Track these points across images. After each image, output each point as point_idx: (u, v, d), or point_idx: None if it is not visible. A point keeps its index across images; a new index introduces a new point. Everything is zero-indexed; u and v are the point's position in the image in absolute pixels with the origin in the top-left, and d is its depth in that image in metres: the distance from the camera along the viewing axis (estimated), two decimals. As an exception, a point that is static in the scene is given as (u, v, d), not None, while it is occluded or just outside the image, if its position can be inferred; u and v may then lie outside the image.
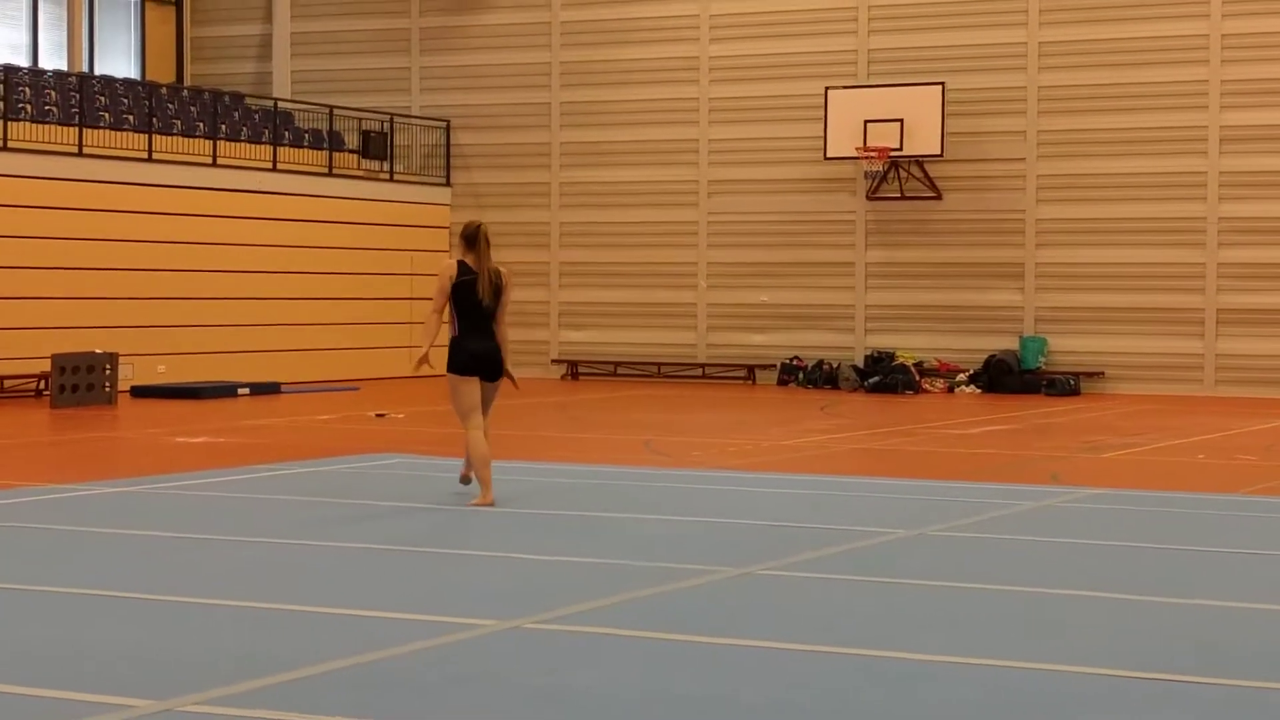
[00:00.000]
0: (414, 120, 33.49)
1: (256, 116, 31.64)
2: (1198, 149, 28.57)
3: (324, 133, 32.00)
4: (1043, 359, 29.18)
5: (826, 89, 30.00)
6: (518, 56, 33.14)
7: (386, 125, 32.70)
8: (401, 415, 22.38)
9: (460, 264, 12.28)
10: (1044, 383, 28.64)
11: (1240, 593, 9.02)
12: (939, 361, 29.79)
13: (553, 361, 32.51)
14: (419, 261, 32.43)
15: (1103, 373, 29.04)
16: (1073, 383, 28.60)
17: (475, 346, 12.25)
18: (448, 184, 33.46)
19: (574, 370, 32.22)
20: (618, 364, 31.90)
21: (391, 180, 32.52)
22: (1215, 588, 9.25)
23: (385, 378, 30.81)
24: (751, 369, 31.03)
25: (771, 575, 9.37)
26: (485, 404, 12.36)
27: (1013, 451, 18.56)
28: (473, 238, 12.32)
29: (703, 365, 31.25)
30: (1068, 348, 29.29)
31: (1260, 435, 20.54)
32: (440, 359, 12.22)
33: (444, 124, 33.46)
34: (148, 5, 34.34)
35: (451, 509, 12.23)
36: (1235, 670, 7.05)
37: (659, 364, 31.43)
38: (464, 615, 8.02)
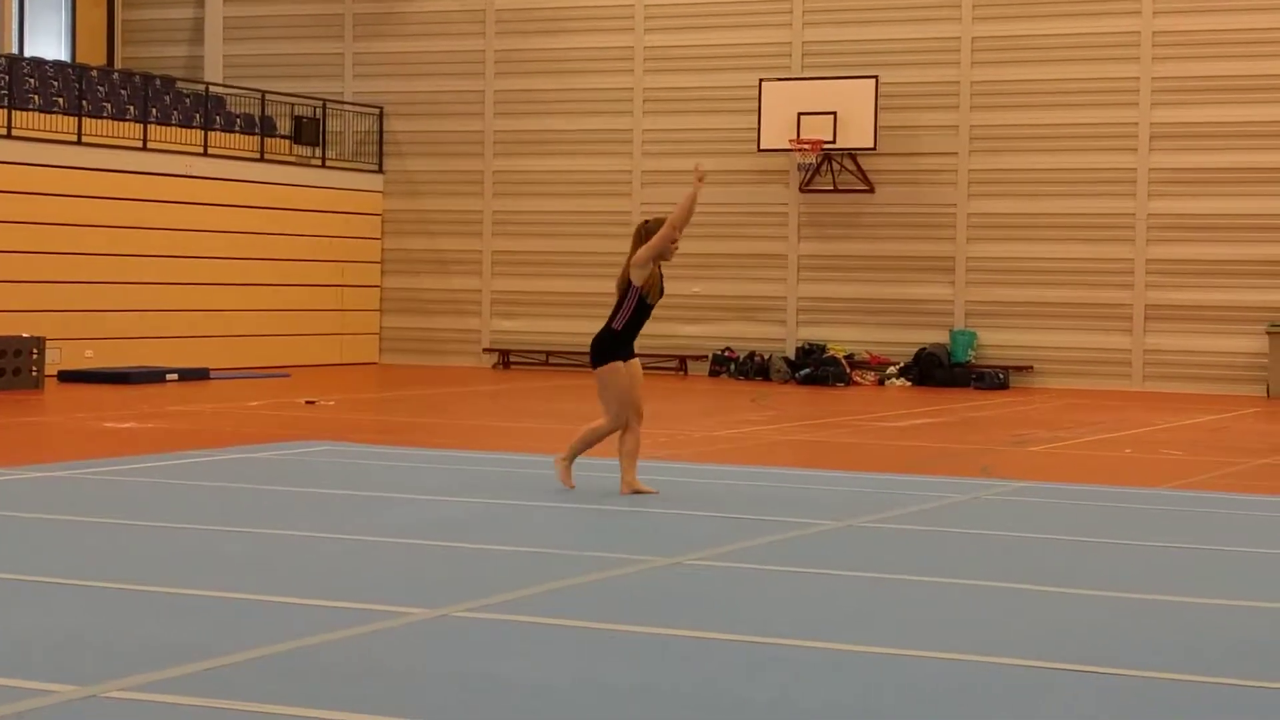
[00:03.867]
0: (347, 106, 33.34)
1: (188, 100, 31.42)
2: (1128, 145, 28.78)
3: (256, 118, 31.81)
4: (972, 353, 29.34)
5: (760, 80, 30.05)
6: (452, 44, 33.04)
7: (319, 111, 32.56)
8: (332, 402, 22.30)
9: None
10: (973, 376, 28.80)
11: (1161, 585, 9.10)
12: (870, 354, 29.89)
13: (484, 350, 32.44)
14: (351, 248, 32.31)
15: (1032, 367, 29.22)
16: (1002, 376, 28.77)
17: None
18: (380, 171, 33.33)
19: (506, 359, 32.16)
20: (550, 353, 31.86)
21: (324, 166, 32.37)
22: (1138, 581, 9.32)
23: (316, 365, 30.69)
24: (683, 360, 31.06)
25: (701, 565, 9.38)
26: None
27: (942, 444, 18.64)
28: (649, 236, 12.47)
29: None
30: (997, 341, 29.46)
31: (1186, 431, 20.71)
32: None
33: (377, 110, 33.32)
34: (78, -13, 34.06)
35: (381, 496, 12.18)
36: (1151, 662, 7.11)
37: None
38: (392, 603, 7.99)
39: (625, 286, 12.37)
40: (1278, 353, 27.44)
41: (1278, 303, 27.86)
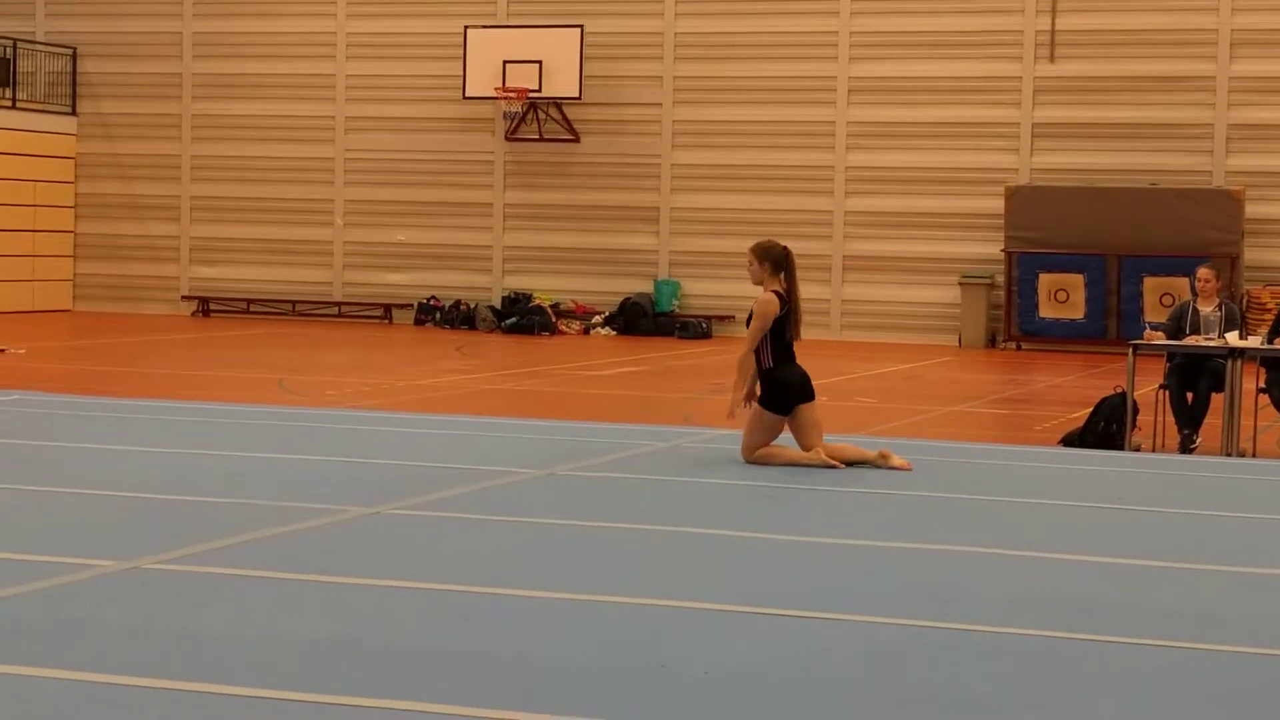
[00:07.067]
0: (39, 46, 32.29)
1: None
2: (828, 99, 29.29)
3: (-58, 56, 30.66)
4: (676, 302, 29.66)
5: (466, 28, 29.89)
6: (149, -17, 32.23)
7: (9, 51, 31.47)
8: (23, 350, 21.65)
9: (778, 295, 11.83)
10: (677, 325, 29.13)
11: (836, 529, 9.33)
12: (575, 303, 30.03)
13: (183, 298, 31.79)
14: (43, 192, 31.37)
15: (733, 316, 29.60)
16: (704, 325, 29.15)
17: (794, 376, 11.95)
18: (74, 113, 32.38)
19: (205, 307, 31.57)
20: (251, 301, 31.35)
21: (14, 108, 31.32)
22: (817, 526, 9.54)
23: (5, 312, 29.75)
24: (388, 308, 30.83)
25: (401, 514, 9.33)
26: (815, 425, 11.84)
27: (646, 393, 18.82)
28: (784, 262, 11.91)
29: (339, 304, 30.91)
30: (700, 291, 29.81)
31: (880, 379, 21.23)
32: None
33: (70, 51, 32.34)
34: None
35: (71, 446, 11.87)
36: (814, 602, 7.28)
37: (294, 302, 30.97)
38: (81, 555, 7.79)
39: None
40: (969, 303, 28.25)
41: (970, 255, 28.66)
